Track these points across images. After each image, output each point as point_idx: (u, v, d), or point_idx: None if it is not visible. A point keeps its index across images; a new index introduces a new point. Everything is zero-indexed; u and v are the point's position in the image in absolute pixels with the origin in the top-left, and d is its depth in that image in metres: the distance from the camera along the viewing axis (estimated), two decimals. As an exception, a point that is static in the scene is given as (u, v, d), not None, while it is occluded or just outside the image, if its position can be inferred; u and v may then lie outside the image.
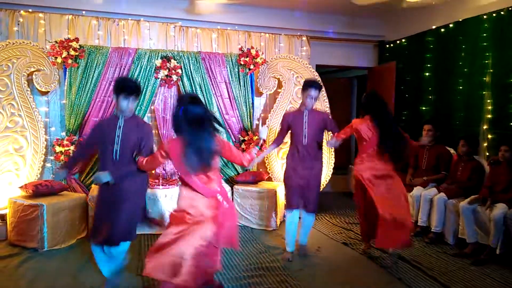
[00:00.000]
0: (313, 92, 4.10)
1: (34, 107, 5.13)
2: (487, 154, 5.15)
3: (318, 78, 6.09)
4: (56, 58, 5.09)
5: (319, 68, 6.80)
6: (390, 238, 3.88)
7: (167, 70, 5.47)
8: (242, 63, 5.76)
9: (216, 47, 6.33)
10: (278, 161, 6.05)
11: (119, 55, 5.35)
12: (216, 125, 2.95)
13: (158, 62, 5.44)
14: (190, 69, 5.61)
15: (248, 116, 5.89)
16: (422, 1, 4.95)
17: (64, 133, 5.30)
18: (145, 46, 5.95)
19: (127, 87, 3.23)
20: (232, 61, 5.82)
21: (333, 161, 6.15)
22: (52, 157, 5.30)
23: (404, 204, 3.97)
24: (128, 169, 3.27)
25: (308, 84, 4.14)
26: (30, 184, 4.66)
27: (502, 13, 5.02)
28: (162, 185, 5.15)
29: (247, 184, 5.45)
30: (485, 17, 5.25)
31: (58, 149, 5.08)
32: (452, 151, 5.41)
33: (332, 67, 7.78)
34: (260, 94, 6.35)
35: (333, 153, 6.09)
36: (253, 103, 5.99)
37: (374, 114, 4.07)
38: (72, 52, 5.10)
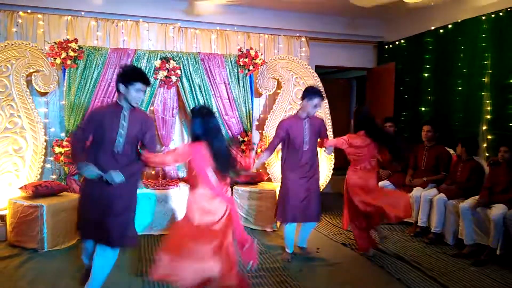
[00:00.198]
0: (318, 101, 4.01)
1: (33, 108, 5.13)
2: (487, 155, 5.16)
3: (319, 82, 6.11)
4: (55, 59, 5.08)
5: (318, 69, 6.80)
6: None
7: (166, 71, 5.47)
8: (241, 64, 5.77)
9: (215, 48, 6.34)
10: (277, 162, 6.04)
11: (118, 56, 5.35)
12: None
13: (157, 63, 5.43)
14: (189, 70, 5.61)
15: (248, 117, 5.89)
16: (421, 2, 4.96)
17: (63, 134, 5.30)
18: (144, 47, 5.95)
19: (145, 76, 3.06)
20: (231, 62, 5.82)
21: (333, 162, 6.16)
22: (51, 158, 5.30)
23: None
24: (128, 163, 3.08)
25: (314, 93, 4.01)
26: (29, 185, 4.65)
27: (501, 14, 5.03)
28: (162, 185, 5.16)
29: (247, 185, 5.45)
30: (484, 18, 5.26)
31: (57, 149, 5.07)
32: (451, 151, 5.42)
33: (331, 68, 7.80)
34: (259, 95, 6.35)
35: (333, 153, 6.08)
36: (252, 104, 5.99)
37: (367, 131, 4.26)
38: (71, 53, 5.09)
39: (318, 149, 4.34)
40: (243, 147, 5.77)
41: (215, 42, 6.35)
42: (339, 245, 4.75)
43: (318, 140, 4.31)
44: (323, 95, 4.15)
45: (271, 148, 4.24)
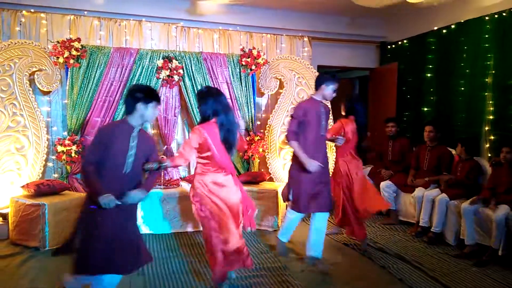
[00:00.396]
0: (336, 86, 3.96)
1: (36, 106, 5.14)
2: (489, 155, 5.15)
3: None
4: (58, 58, 5.09)
5: (320, 69, 6.80)
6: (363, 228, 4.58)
7: (169, 70, 5.48)
8: (243, 63, 5.77)
9: (217, 47, 6.34)
10: (279, 161, 6.05)
11: (121, 55, 5.36)
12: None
13: (160, 62, 5.44)
14: (191, 69, 5.62)
15: (250, 117, 5.90)
16: (425, 2, 4.95)
17: (65, 133, 5.31)
18: (147, 46, 5.96)
19: (157, 95, 3.00)
20: (233, 62, 5.82)
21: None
22: (53, 157, 5.32)
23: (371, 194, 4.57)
24: (135, 183, 2.93)
25: (335, 79, 3.94)
26: (32, 183, 4.66)
27: (504, 14, 5.02)
28: (163, 184, 5.17)
29: (249, 184, 5.43)
30: (487, 18, 5.25)
31: (59, 148, 5.08)
32: (453, 152, 5.40)
33: (334, 67, 7.77)
34: (261, 94, 6.35)
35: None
36: (254, 104, 6.00)
37: (357, 116, 4.46)
38: (74, 52, 5.10)
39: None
40: (244, 146, 5.77)
41: (218, 42, 6.36)
42: (340, 245, 4.74)
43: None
44: None
45: (294, 134, 3.89)
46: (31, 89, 5.15)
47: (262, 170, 6.03)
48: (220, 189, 3.34)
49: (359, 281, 3.76)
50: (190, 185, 3.59)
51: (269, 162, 6.06)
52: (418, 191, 5.13)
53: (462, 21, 5.65)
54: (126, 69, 5.38)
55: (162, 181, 5.29)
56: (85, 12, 5.72)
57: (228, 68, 5.78)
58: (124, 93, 2.94)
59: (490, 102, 5.19)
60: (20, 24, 5.47)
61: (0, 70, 4.95)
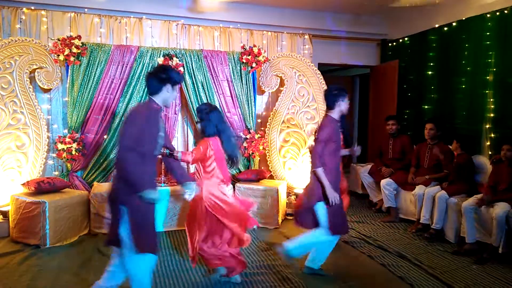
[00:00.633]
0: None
1: (37, 104, 5.14)
2: (489, 153, 5.14)
3: (322, 79, 6.11)
4: (58, 55, 5.09)
5: (321, 67, 6.79)
6: None
7: (169, 68, 5.47)
8: (244, 61, 5.76)
9: (218, 45, 6.33)
10: (280, 160, 6.05)
11: (121, 52, 5.36)
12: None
13: (160, 60, 5.44)
14: (192, 67, 5.61)
15: (250, 115, 5.89)
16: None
17: (66, 131, 5.31)
18: (147, 44, 5.95)
19: (182, 76, 3.11)
20: (234, 59, 5.81)
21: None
22: (54, 155, 5.32)
23: None
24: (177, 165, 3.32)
25: (345, 92, 3.89)
26: (32, 181, 4.67)
27: (505, 11, 5.01)
28: (164, 182, 5.18)
29: (249, 182, 5.44)
30: (488, 15, 5.23)
31: (60, 146, 5.08)
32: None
33: (335, 65, 7.78)
34: (262, 92, 6.35)
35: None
36: (255, 101, 5.99)
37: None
38: (74, 50, 5.10)
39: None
40: (245, 144, 5.77)
41: (218, 39, 6.35)
42: (340, 243, 4.73)
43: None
44: None
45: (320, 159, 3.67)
46: (31, 86, 5.15)
47: (263, 168, 6.04)
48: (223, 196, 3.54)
49: (358, 279, 3.76)
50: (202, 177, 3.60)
51: (270, 160, 6.06)
52: (419, 189, 5.13)
53: (464, 18, 5.63)
54: (126, 66, 5.37)
55: (162, 178, 5.29)
56: (86, 10, 5.72)
57: (229, 65, 5.78)
58: (149, 72, 2.86)
59: (491, 100, 5.19)
60: (21, 22, 5.47)
61: (1, 67, 4.96)
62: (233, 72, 5.80)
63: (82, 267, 3.88)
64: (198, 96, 5.64)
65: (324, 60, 7.12)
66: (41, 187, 4.57)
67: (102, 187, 4.97)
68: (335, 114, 3.83)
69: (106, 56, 5.30)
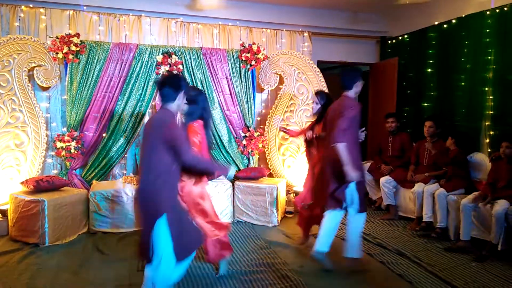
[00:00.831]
0: None
1: (35, 102, 5.14)
2: (489, 150, 5.14)
3: (321, 77, 6.10)
4: (57, 53, 5.08)
5: (320, 64, 6.78)
6: None
7: (168, 65, 5.46)
8: (243, 59, 5.75)
9: (217, 43, 6.32)
10: (279, 158, 6.04)
11: (120, 50, 5.35)
12: None
13: (159, 57, 5.43)
14: (191, 65, 5.61)
15: (250, 112, 5.88)
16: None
17: (65, 129, 5.31)
18: (146, 41, 5.94)
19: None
20: (233, 57, 5.80)
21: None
22: (53, 153, 5.31)
23: None
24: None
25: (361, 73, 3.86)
26: (31, 179, 4.66)
27: (505, 9, 4.99)
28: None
29: (248, 180, 5.44)
30: (488, 13, 5.21)
31: (59, 144, 5.08)
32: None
33: (334, 63, 7.76)
34: (261, 90, 6.34)
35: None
36: (254, 99, 5.98)
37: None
38: (73, 48, 5.09)
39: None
40: (244, 142, 5.76)
41: (217, 37, 6.34)
42: (339, 240, 4.72)
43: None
44: None
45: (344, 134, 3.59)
46: (30, 84, 5.15)
47: (262, 166, 6.03)
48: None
49: (358, 276, 3.75)
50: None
51: (269, 157, 6.05)
52: (418, 187, 5.12)
53: (463, 15, 5.61)
54: (125, 64, 5.36)
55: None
56: (84, 7, 5.69)
57: (228, 63, 5.77)
58: (160, 81, 2.93)
59: (491, 97, 5.17)
60: (19, 20, 5.45)
61: (-1, 65, 4.95)
62: (232, 70, 5.79)
63: (81, 265, 3.88)
64: (197, 94, 5.63)
65: (323, 57, 7.11)
66: (40, 186, 4.56)
67: (101, 185, 4.96)
68: (352, 94, 3.86)
69: (105, 54, 5.29)
